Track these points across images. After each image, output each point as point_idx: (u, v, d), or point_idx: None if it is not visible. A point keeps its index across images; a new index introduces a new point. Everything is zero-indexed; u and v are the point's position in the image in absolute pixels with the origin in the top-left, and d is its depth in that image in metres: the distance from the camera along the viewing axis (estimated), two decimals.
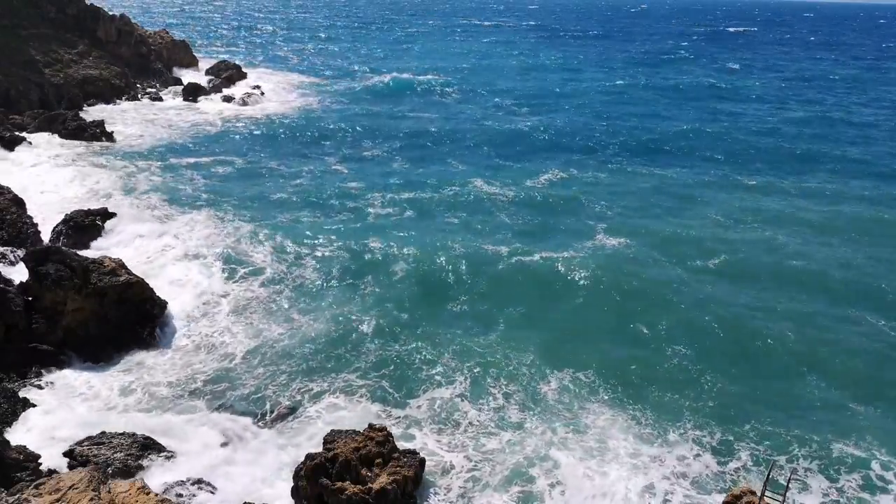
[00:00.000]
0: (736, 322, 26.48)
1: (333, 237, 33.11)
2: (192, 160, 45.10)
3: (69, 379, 21.30)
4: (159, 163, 43.95)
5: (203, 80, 72.43)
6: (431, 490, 17.61)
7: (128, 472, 16.88)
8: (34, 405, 19.75)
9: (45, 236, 30.53)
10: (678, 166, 48.51)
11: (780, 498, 15.33)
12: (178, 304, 25.71)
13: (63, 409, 19.84)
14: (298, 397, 21.10)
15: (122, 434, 18.31)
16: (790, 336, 25.63)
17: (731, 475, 18.59)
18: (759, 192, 43.02)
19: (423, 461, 17.67)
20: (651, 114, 67.90)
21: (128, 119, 55.64)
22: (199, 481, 17.16)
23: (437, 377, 22.39)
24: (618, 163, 48.87)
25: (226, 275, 28.63)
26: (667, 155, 51.62)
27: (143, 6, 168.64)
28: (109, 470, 16.70)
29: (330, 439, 17.65)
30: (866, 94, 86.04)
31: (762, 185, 44.44)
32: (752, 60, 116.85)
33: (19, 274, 25.05)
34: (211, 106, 63.27)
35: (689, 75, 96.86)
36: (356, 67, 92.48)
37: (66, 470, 16.36)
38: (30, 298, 22.97)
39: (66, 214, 31.80)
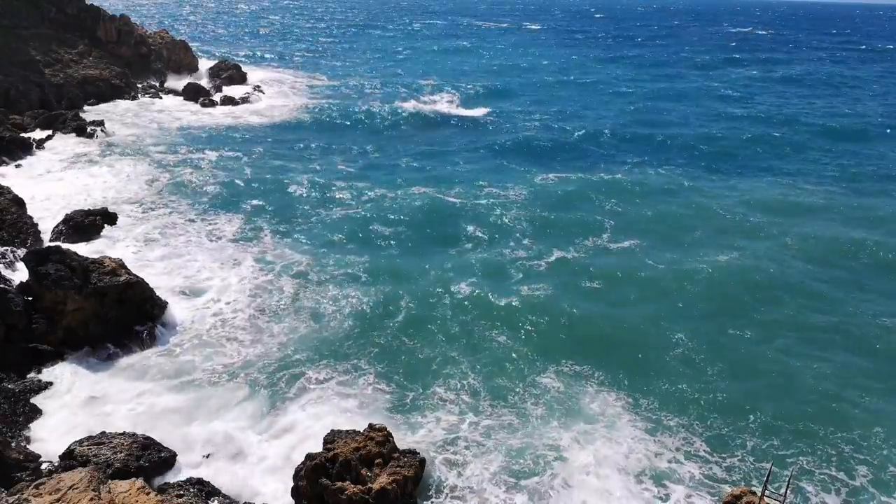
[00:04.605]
0: (739, 318, 26.57)
1: (339, 235, 33.20)
2: (192, 160, 45.12)
3: (69, 379, 21.28)
4: (160, 162, 43.95)
5: (203, 80, 72.44)
6: (431, 490, 17.61)
7: (128, 472, 16.88)
8: (34, 405, 19.77)
9: (46, 236, 30.56)
10: (684, 166, 48.60)
11: (780, 498, 15.33)
12: (179, 303, 25.71)
13: (63, 409, 19.86)
14: (300, 396, 21.08)
15: (122, 434, 18.31)
16: (794, 332, 25.73)
17: (731, 475, 18.57)
18: (766, 191, 43.14)
19: (423, 461, 17.68)
20: (656, 115, 67.94)
21: (128, 119, 55.63)
22: (199, 482, 17.16)
23: (440, 373, 22.39)
24: (627, 165, 48.75)
25: (228, 274, 28.62)
26: (672, 156, 51.65)
27: (143, 6, 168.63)
28: (109, 470, 16.71)
29: (330, 439, 17.66)
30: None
31: (769, 185, 44.60)
32: (774, 64, 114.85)
33: (19, 274, 25.08)
34: (211, 106, 63.27)
35: (694, 80, 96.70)
36: (358, 67, 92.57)
37: (65, 470, 16.35)
38: (30, 298, 22.98)
39: (66, 214, 31.83)
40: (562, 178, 44.62)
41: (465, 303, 27.01)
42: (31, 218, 31.02)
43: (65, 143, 46.27)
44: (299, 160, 47.13)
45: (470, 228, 34.75)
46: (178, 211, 35.61)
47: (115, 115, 55.85)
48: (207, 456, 18.42)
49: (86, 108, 56.49)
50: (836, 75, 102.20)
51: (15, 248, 28.37)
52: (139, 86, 66.62)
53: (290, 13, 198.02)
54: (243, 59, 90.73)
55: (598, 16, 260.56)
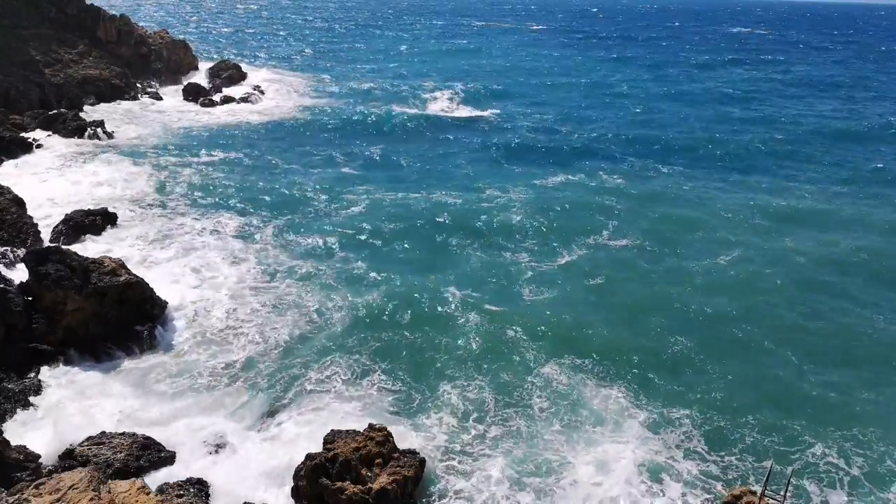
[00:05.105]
0: (741, 321, 26.55)
1: (341, 235, 33.21)
2: (192, 160, 45.13)
3: (69, 379, 21.25)
4: (160, 162, 43.95)
5: (203, 80, 72.47)
6: (432, 490, 17.59)
7: (128, 472, 16.88)
8: (34, 405, 19.76)
9: (45, 236, 30.54)
10: (685, 168, 48.58)
11: (780, 498, 15.33)
12: (179, 303, 25.66)
13: (63, 409, 19.84)
14: (299, 396, 21.06)
15: (122, 434, 18.33)
16: (794, 332, 25.75)
17: (732, 473, 18.56)
18: (767, 193, 43.17)
19: (423, 461, 17.66)
20: (658, 116, 67.93)
21: (128, 119, 55.66)
22: (199, 481, 17.15)
23: (442, 372, 22.41)
24: (628, 166, 48.69)
25: (228, 274, 28.61)
26: (673, 157, 51.51)
27: (143, 6, 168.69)
28: (109, 470, 16.71)
29: (330, 439, 17.65)
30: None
31: (770, 186, 44.62)
32: (775, 65, 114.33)
33: (19, 274, 25.06)
34: (211, 106, 63.28)
35: (695, 81, 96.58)
36: (358, 68, 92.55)
37: (66, 470, 16.35)
38: (30, 298, 22.96)
39: (66, 214, 31.83)
40: (563, 179, 44.62)
41: (468, 303, 26.99)
42: (31, 218, 30.98)
43: (65, 143, 46.25)
44: (300, 160, 47.12)
45: (472, 230, 34.73)
46: (178, 210, 35.60)
47: (116, 115, 55.85)
48: (216, 451, 18.40)
49: (86, 108, 56.46)
50: (838, 76, 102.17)
51: (15, 248, 28.36)
52: (139, 86, 66.59)
53: (290, 13, 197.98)
54: (243, 58, 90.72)
55: (599, 16, 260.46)
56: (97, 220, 31.70)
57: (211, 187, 39.68)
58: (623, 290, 28.77)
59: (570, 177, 45.10)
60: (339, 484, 16.35)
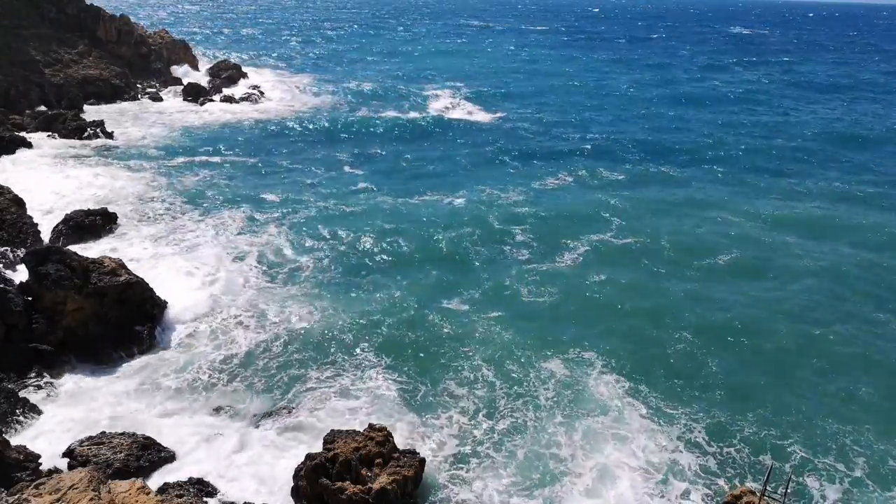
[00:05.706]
0: (741, 320, 26.52)
1: (341, 236, 33.18)
2: (192, 160, 45.13)
3: (69, 379, 21.28)
4: (159, 162, 43.97)
5: (203, 80, 72.53)
6: (431, 490, 17.58)
7: (128, 472, 16.87)
8: (34, 405, 19.76)
9: (45, 236, 30.54)
10: (686, 169, 48.53)
11: (780, 498, 15.33)
12: (179, 303, 25.62)
13: (63, 409, 19.85)
14: (300, 396, 21.07)
15: (122, 434, 18.31)
16: (795, 334, 25.72)
17: (731, 472, 18.56)
18: (768, 193, 43.17)
19: (423, 461, 17.65)
20: (659, 118, 67.92)
21: (128, 119, 55.69)
22: (199, 481, 17.13)
23: (443, 372, 22.41)
24: (627, 166, 48.69)
25: (228, 274, 28.58)
26: (675, 158, 51.46)
27: (143, 6, 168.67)
28: (109, 470, 16.70)
29: (330, 439, 17.64)
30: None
31: (770, 187, 44.55)
32: (777, 66, 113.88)
33: (19, 274, 25.07)
34: (211, 106, 63.33)
35: (697, 84, 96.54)
36: (359, 69, 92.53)
37: (66, 470, 16.35)
38: (30, 298, 22.96)
39: (66, 214, 31.83)
40: (564, 180, 44.64)
41: (469, 302, 27.03)
42: (31, 218, 30.98)
43: (64, 144, 46.28)
44: (300, 160, 47.12)
45: (473, 229, 34.69)
46: (178, 210, 35.60)
47: (115, 115, 55.88)
48: (216, 451, 18.37)
49: (86, 108, 56.53)
50: (840, 77, 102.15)
51: (15, 248, 28.36)
52: (139, 86, 66.63)
53: (290, 13, 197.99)
54: (243, 59, 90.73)
55: (600, 17, 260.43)
56: (97, 220, 31.70)
57: (211, 187, 39.69)
58: (625, 288, 28.75)
59: (570, 177, 45.12)
60: (339, 484, 16.34)
